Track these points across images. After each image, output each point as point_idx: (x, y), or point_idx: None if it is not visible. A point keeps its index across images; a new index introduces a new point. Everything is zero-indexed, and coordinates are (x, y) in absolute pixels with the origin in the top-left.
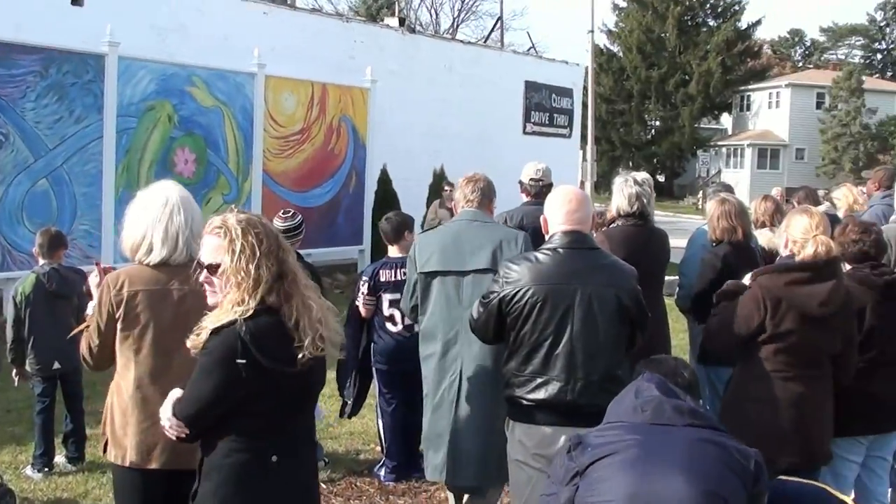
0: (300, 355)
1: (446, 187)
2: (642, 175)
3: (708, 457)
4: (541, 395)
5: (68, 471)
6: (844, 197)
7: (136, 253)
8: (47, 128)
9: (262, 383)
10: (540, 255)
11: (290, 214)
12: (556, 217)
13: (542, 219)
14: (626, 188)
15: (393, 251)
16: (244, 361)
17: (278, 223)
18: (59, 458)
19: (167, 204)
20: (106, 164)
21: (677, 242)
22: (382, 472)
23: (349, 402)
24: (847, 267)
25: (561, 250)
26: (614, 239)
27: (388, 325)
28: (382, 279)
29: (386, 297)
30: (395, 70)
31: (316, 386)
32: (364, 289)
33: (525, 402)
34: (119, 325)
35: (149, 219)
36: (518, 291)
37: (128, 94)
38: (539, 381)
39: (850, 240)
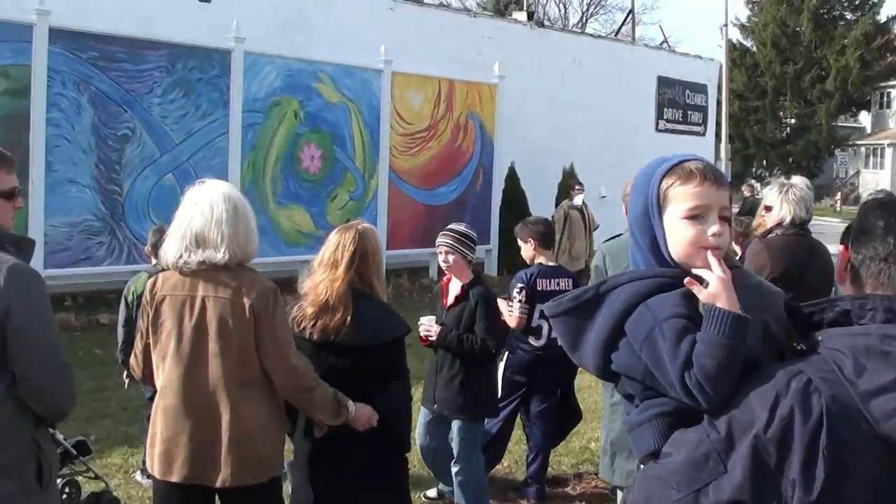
0: None
1: (576, 186)
2: (803, 179)
3: None
4: None
5: None
6: None
7: (166, 256)
8: (173, 123)
9: None
10: None
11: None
12: None
13: None
14: (795, 192)
15: (542, 258)
16: None
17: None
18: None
19: (198, 206)
20: (231, 160)
21: None
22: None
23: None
24: None
25: None
26: (775, 249)
27: (531, 339)
28: (539, 288)
29: (539, 308)
30: (524, 65)
31: None
32: (522, 296)
33: None
34: (150, 331)
35: (179, 219)
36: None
37: (253, 90)
38: None
39: None
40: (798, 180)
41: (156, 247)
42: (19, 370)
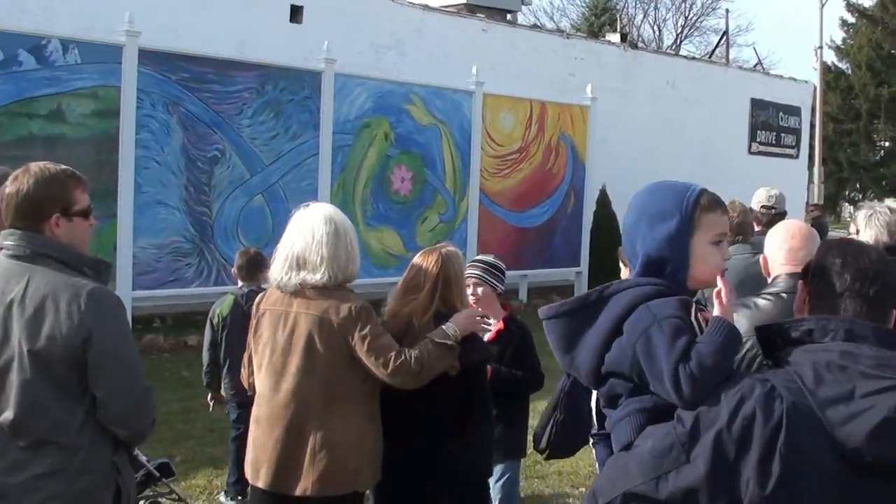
0: None
1: None
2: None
3: None
4: None
5: None
6: None
7: (271, 275)
8: (263, 144)
9: None
10: (760, 302)
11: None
12: (777, 257)
13: (761, 258)
14: (880, 217)
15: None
16: None
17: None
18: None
19: (300, 229)
20: (321, 182)
21: None
22: None
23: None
24: None
25: (785, 295)
26: None
27: None
28: None
29: None
30: (616, 87)
31: None
32: None
33: None
34: (252, 341)
35: (283, 241)
36: (750, 353)
37: (344, 112)
38: None
39: None
40: (891, 203)
41: (242, 269)
42: (101, 395)
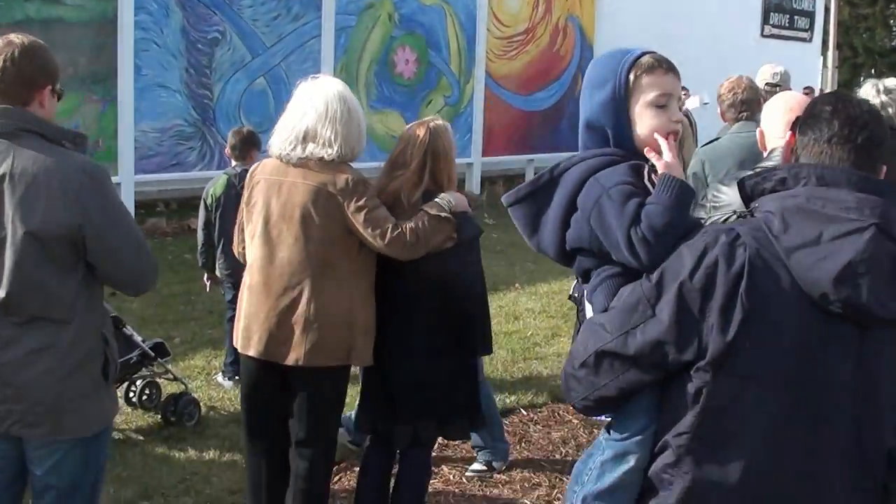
0: None
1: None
2: (893, 81)
3: None
4: None
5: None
6: None
7: (271, 145)
8: (264, 25)
9: None
10: None
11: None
12: (776, 129)
13: (758, 132)
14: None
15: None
16: None
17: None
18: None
19: (312, 102)
20: (324, 64)
21: None
22: None
23: None
24: None
25: None
26: None
27: None
28: None
29: None
30: None
31: None
32: None
33: None
34: (245, 210)
35: (291, 112)
36: (727, 219)
37: None
38: None
39: None
40: (887, 82)
41: (235, 148)
42: (108, 269)
